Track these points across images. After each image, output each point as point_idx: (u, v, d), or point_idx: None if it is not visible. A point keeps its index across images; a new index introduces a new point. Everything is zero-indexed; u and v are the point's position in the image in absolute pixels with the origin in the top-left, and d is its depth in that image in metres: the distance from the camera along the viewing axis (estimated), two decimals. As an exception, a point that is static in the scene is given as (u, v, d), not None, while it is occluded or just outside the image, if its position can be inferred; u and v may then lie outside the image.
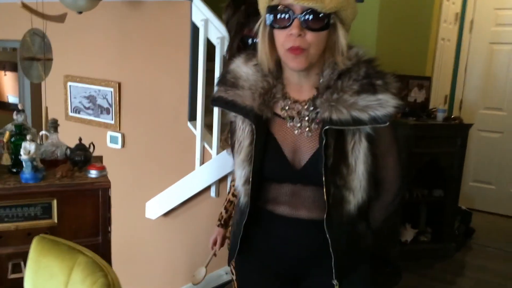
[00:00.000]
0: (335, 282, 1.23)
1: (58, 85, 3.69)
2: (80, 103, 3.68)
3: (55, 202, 1.77)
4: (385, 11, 3.31)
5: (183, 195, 3.19)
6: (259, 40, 1.20)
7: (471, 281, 3.40)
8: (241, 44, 1.61)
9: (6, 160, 1.85)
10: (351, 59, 1.17)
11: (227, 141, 1.65)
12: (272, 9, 1.13)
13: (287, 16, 1.11)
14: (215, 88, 1.28)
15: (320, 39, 1.13)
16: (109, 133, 3.54)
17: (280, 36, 1.14)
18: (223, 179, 3.03)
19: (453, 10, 4.30)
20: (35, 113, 4.26)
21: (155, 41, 3.29)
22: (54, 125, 1.95)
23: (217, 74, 2.92)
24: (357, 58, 1.18)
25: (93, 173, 1.87)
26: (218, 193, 3.09)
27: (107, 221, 1.87)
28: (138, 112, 3.44)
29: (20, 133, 1.83)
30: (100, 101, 3.58)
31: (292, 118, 1.22)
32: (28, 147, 1.72)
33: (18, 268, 1.75)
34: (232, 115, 1.28)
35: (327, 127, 1.14)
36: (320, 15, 1.10)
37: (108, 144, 3.55)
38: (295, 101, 1.23)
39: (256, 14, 1.49)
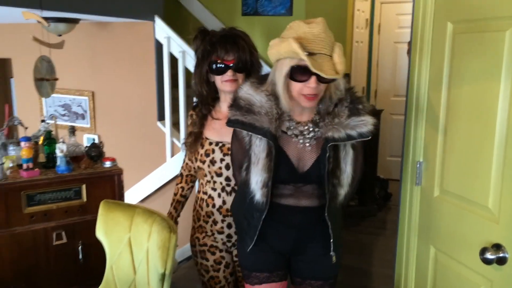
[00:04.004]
0: (333, 253, 1.61)
1: (32, 97, 4.16)
2: (56, 111, 4.18)
3: (84, 187, 2.39)
4: (310, 23, 4.13)
5: (158, 182, 3.85)
6: (280, 90, 1.47)
7: (389, 231, 4.35)
8: (208, 68, 1.84)
9: (41, 158, 2.44)
10: (341, 90, 1.52)
11: (186, 145, 1.97)
12: (295, 68, 1.42)
13: (306, 73, 1.40)
14: (230, 112, 1.55)
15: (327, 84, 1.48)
16: (86, 135, 4.09)
17: (297, 85, 1.45)
18: (191, 166, 3.71)
19: (364, 17, 5.24)
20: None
21: (125, 54, 3.89)
22: (72, 131, 2.56)
23: (180, 81, 3.59)
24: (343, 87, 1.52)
25: (107, 164, 2.50)
26: (187, 179, 3.78)
27: (122, 199, 2.51)
28: (112, 116, 4.03)
29: (50, 137, 2.43)
30: (75, 108, 4.11)
31: (297, 135, 1.55)
32: (61, 147, 2.33)
33: (60, 237, 2.36)
34: (244, 133, 1.55)
35: (331, 143, 1.47)
36: None
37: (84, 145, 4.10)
38: (298, 123, 1.56)
39: (220, 43, 1.80)
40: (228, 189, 1.87)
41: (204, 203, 1.91)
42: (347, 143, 1.52)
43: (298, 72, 1.42)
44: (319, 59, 1.38)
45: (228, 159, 1.83)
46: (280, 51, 1.43)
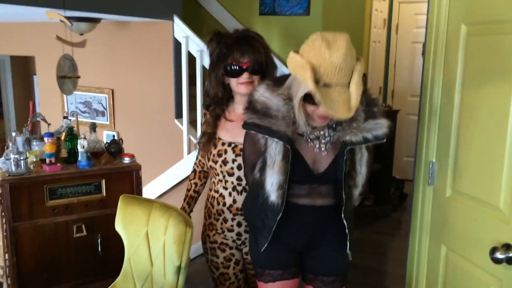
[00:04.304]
0: (349, 252, 1.67)
1: (55, 94, 4.27)
2: (77, 108, 4.29)
3: (103, 181, 2.47)
4: (327, 22, 4.14)
5: (175, 179, 3.92)
6: (296, 110, 1.48)
7: (404, 231, 4.34)
8: (223, 71, 1.84)
9: (63, 153, 2.52)
10: None
11: (200, 144, 1.98)
12: (309, 95, 1.43)
13: None
14: (246, 115, 1.55)
15: None
16: (105, 132, 4.19)
17: (311, 107, 1.48)
18: (208, 164, 3.78)
19: (381, 17, 5.23)
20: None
21: (144, 53, 3.97)
22: (93, 127, 2.64)
23: (198, 79, 3.65)
24: None
25: (126, 160, 2.58)
26: (203, 176, 3.85)
27: (140, 194, 2.58)
28: (131, 113, 4.12)
29: (71, 133, 2.51)
30: (95, 105, 4.21)
31: (313, 140, 1.58)
32: (83, 143, 2.41)
33: (80, 230, 2.44)
34: (260, 135, 1.55)
35: (349, 147, 1.51)
36: None
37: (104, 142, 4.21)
38: (314, 127, 1.57)
39: (235, 45, 1.79)
40: (239, 188, 1.89)
41: (215, 201, 1.94)
42: (363, 145, 1.55)
43: (312, 99, 1.43)
44: (334, 92, 1.38)
45: (240, 160, 1.84)
46: (297, 75, 1.44)
